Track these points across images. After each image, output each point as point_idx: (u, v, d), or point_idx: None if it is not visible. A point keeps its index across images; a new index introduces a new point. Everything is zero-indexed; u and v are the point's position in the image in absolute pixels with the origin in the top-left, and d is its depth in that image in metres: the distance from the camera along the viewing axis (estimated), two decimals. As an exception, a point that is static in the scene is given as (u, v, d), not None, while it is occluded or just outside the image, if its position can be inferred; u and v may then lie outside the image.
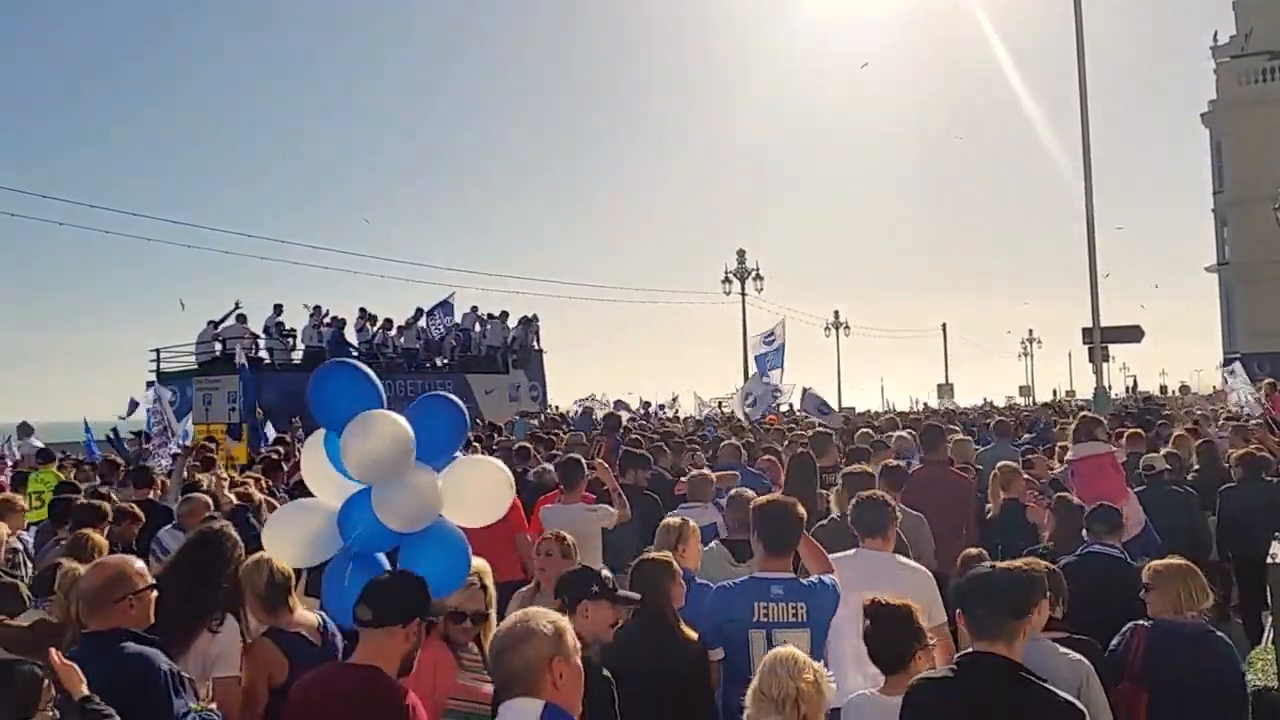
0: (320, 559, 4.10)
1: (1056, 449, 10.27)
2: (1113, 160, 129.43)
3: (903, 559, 4.89)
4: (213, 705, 3.77)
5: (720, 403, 29.15)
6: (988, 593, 3.27)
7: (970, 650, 3.27)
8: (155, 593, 3.77)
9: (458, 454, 4.37)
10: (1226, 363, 18.30)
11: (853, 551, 4.90)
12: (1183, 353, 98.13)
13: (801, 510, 4.69)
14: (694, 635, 4.36)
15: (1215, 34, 47.42)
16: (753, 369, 20.80)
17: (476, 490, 4.24)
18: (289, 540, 4.17)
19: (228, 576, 4.32)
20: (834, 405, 19.20)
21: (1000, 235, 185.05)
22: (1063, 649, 3.92)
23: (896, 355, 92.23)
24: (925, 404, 42.81)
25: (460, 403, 4.28)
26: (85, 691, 3.26)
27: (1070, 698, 3.18)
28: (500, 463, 4.61)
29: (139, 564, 3.88)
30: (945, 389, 55.38)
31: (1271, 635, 5.69)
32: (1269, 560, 5.46)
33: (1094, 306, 21.61)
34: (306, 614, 4.42)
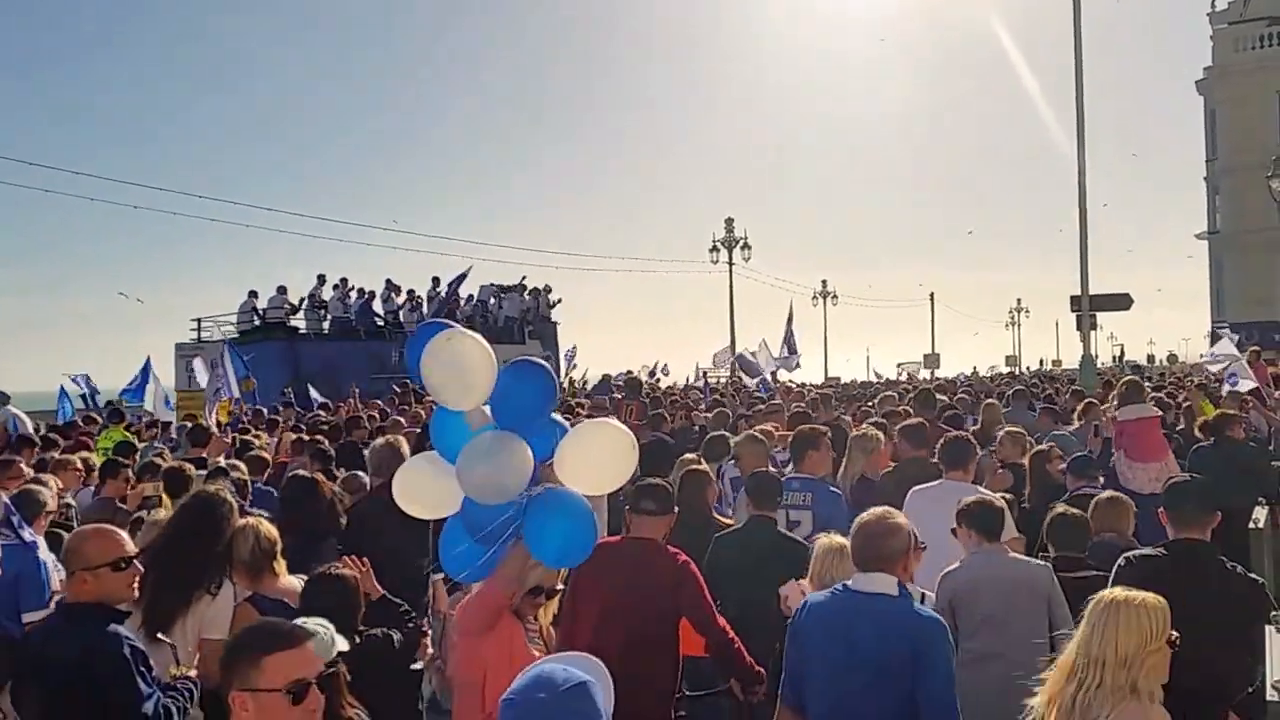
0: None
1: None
2: (1107, 126, 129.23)
3: (980, 488, 5.77)
4: (192, 672, 3.76)
5: (705, 373, 29.97)
6: (1192, 495, 4.48)
7: (1178, 538, 4.39)
8: (121, 569, 3.59)
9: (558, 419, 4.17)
10: (1213, 331, 18.69)
11: (938, 482, 5.88)
12: (1171, 322, 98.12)
13: (817, 431, 6.88)
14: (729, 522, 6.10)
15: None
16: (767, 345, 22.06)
17: (595, 457, 3.96)
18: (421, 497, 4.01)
19: (223, 540, 4.33)
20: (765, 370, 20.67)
21: (990, 204, 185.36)
22: (1023, 557, 4.94)
23: (883, 325, 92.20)
24: (909, 374, 42.92)
25: (546, 365, 4.02)
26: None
27: (1253, 575, 4.30)
28: (621, 426, 4.30)
29: (116, 537, 3.70)
30: (932, 359, 54.96)
31: None
32: (1250, 526, 5.95)
33: (1083, 273, 21.36)
34: (290, 580, 4.39)
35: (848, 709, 3.54)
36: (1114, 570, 4.38)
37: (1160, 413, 9.36)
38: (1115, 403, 9.33)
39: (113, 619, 3.53)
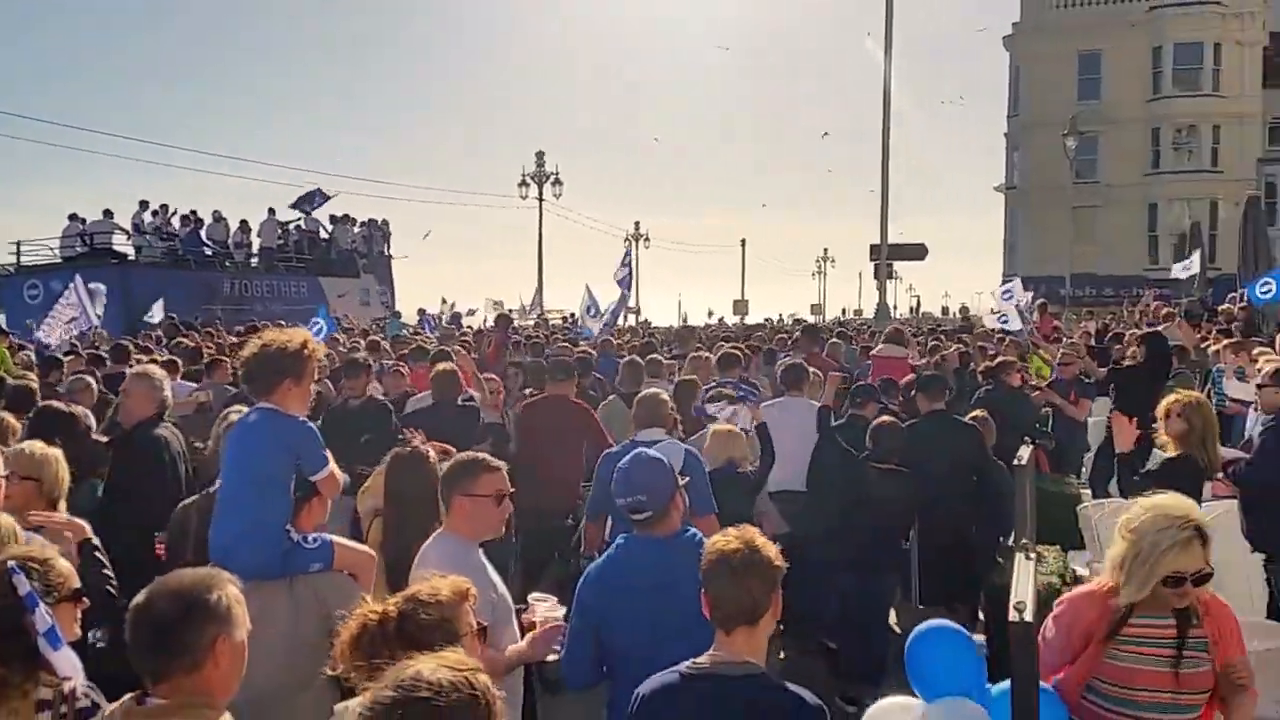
0: None
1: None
2: (920, 78, 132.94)
3: (814, 402, 7.57)
4: None
5: (512, 311, 29.89)
6: (937, 380, 7.86)
7: (931, 409, 7.42)
8: None
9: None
10: (1005, 283, 19.63)
11: (781, 399, 7.67)
12: (966, 275, 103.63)
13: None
14: None
15: (1023, -46, 47.37)
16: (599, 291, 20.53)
17: None
18: None
19: None
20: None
21: (806, 152, 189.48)
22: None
23: (696, 270, 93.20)
24: (721, 319, 41.72)
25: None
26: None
27: (971, 423, 7.38)
28: None
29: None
30: (741, 305, 55.02)
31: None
32: (1015, 463, 6.67)
33: (883, 222, 22.50)
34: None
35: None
36: (870, 431, 6.89)
37: (908, 353, 11.65)
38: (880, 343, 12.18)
39: None
